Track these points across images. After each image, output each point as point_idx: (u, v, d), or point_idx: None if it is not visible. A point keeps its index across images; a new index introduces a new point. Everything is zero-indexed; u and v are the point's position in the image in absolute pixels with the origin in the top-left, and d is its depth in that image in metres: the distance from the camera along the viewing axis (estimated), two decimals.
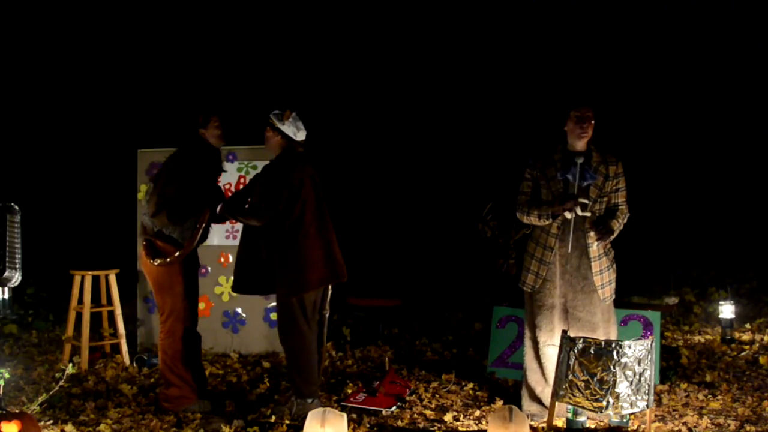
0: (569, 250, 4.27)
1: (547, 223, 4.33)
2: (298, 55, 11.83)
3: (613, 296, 4.37)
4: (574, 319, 4.30)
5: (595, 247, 4.28)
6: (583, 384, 3.95)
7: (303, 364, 4.46)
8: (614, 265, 4.39)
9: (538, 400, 4.40)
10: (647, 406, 3.96)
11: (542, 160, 4.38)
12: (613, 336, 4.33)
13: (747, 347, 6.19)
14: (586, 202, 4.22)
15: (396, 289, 7.30)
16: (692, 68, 11.63)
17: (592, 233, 4.26)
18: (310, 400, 4.43)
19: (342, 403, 4.67)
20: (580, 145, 4.32)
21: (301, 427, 3.65)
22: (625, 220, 4.37)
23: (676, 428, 4.20)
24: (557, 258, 4.32)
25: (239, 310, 6.22)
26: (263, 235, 4.46)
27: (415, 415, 4.52)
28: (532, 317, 4.41)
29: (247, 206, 4.52)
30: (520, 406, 4.26)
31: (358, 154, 11.31)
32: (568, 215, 4.23)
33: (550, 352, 4.34)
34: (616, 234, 4.31)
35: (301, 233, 4.40)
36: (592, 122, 4.28)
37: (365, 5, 11.68)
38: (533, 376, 4.43)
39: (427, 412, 4.57)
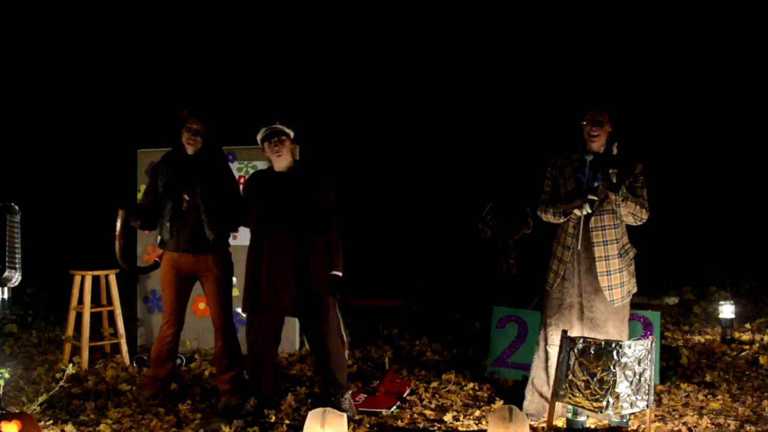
0: (578, 248, 4.29)
1: (562, 221, 4.37)
2: (300, 55, 11.82)
3: (626, 299, 4.34)
4: (587, 319, 4.33)
5: (601, 247, 4.28)
6: (583, 384, 3.95)
7: None
8: (631, 268, 4.36)
9: (544, 399, 4.39)
10: (647, 406, 3.96)
11: (563, 159, 4.43)
12: (624, 336, 4.33)
13: (747, 347, 6.19)
14: (595, 199, 4.23)
15: (396, 289, 7.29)
16: (691, 69, 11.63)
17: (596, 234, 4.26)
18: None
19: None
20: (593, 146, 4.35)
21: (301, 427, 3.65)
22: (641, 213, 4.28)
23: (676, 428, 4.20)
24: (574, 257, 4.34)
25: (239, 310, 6.20)
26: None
27: (415, 415, 4.52)
28: (547, 315, 4.42)
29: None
30: (520, 406, 4.25)
31: (358, 154, 11.31)
32: (578, 212, 4.25)
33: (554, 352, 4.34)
34: (622, 203, 4.19)
35: None
36: (603, 126, 4.30)
37: (366, 4, 11.68)
38: (539, 375, 4.43)
39: (427, 412, 4.57)
